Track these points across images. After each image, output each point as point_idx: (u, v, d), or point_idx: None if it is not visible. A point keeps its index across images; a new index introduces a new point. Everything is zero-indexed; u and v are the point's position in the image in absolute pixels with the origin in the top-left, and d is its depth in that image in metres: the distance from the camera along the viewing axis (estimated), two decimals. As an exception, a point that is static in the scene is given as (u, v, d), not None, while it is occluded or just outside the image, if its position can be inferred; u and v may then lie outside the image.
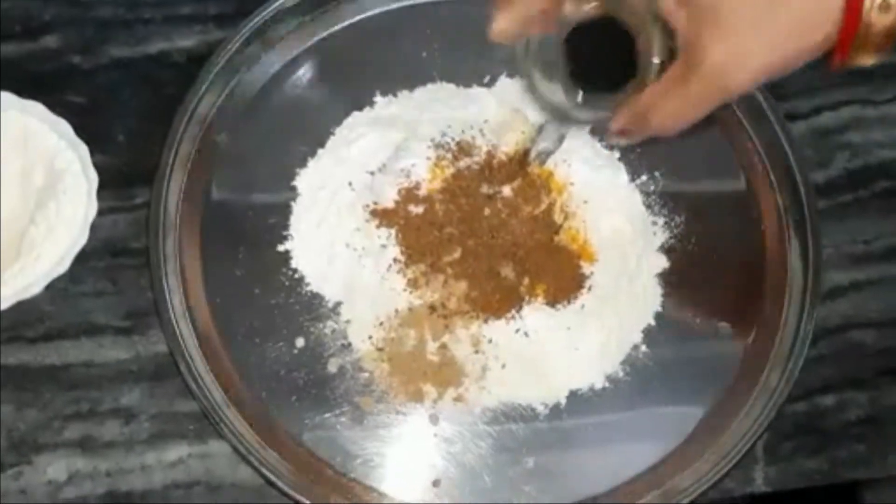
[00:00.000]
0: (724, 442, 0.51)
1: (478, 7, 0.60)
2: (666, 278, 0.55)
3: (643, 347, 0.53)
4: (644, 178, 0.57)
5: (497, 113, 0.57)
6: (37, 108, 0.53)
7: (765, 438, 0.53)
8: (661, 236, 0.56)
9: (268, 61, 0.57)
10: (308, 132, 0.56)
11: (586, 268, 0.54)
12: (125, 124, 0.56)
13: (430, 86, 0.58)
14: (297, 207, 0.54)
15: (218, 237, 0.54)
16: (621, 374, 0.53)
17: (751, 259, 0.56)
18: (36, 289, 0.51)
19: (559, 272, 0.53)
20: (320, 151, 0.56)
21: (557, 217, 0.55)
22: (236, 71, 0.56)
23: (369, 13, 0.59)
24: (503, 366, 0.52)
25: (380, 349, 0.52)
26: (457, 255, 0.53)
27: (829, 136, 0.60)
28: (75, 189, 0.52)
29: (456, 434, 0.51)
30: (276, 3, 0.57)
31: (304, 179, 0.55)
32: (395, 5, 0.59)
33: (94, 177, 0.53)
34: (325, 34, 0.58)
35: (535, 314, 0.52)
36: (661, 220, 0.56)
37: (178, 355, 0.50)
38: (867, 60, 0.41)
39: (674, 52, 0.41)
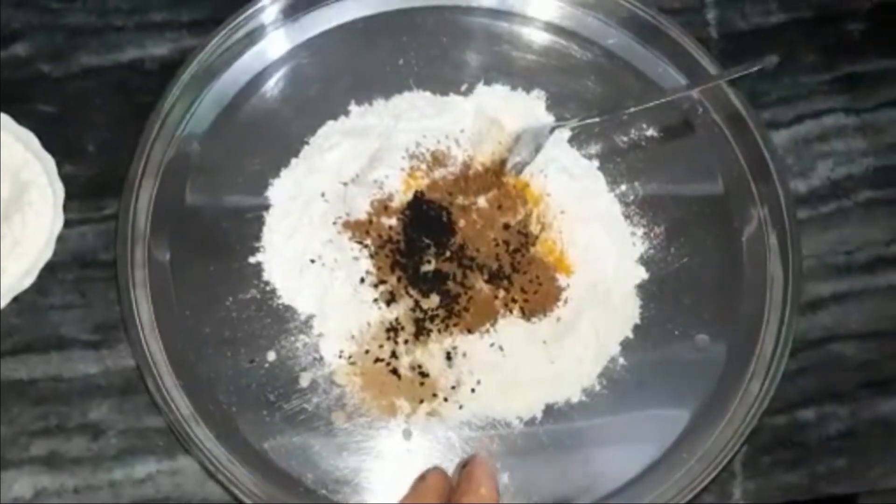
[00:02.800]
0: (702, 455, 0.51)
1: (455, 15, 0.60)
2: (645, 290, 0.54)
3: (621, 360, 0.53)
4: (623, 187, 0.56)
5: (474, 122, 0.56)
6: (2, 119, 0.53)
7: (743, 452, 0.52)
8: (641, 247, 0.55)
9: (241, 69, 0.57)
10: (281, 141, 0.55)
11: (563, 280, 0.53)
12: (96, 134, 0.55)
13: (406, 94, 0.57)
14: (270, 218, 0.54)
15: (188, 249, 0.53)
16: (598, 387, 0.52)
17: (731, 270, 0.55)
18: (2, 302, 0.50)
19: (535, 284, 0.53)
20: (294, 161, 0.55)
21: (534, 228, 0.54)
22: (208, 79, 0.56)
23: (345, 20, 0.59)
24: (477, 380, 0.51)
25: (352, 363, 0.51)
26: (430, 267, 0.52)
27: (811, 145, 0.60)
28: (41, 201, 0.51)
29: (430, 449, 0.50)
30: (250, 11, 0.56)
31: (277, 190, 0.54)
32: (371, 12, 0.59)
33: (60, 189, 0.52)
34: (299, 42, 0.58)
35: (509, 327, 0.52)
36: (640, 231, 0.56)
37: (146, 370, 0.49)
38: None
39: None
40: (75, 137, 0.55)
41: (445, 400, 0.51)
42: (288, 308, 0.52)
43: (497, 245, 0.53)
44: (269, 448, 0.50)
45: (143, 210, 0.53)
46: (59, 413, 0.50)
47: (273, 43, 0.57)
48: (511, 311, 0.52)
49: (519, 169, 0.55)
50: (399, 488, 0.49)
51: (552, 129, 0.56)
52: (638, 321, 0.54)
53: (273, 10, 0.57)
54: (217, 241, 0.53)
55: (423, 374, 0.51)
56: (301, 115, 0.56)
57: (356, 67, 0.58)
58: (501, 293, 0.52)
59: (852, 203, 0.59)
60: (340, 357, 0.51)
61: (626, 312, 0.54)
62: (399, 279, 0.52)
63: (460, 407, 0.51)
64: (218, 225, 0.54)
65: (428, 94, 0.57)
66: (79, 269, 0.53)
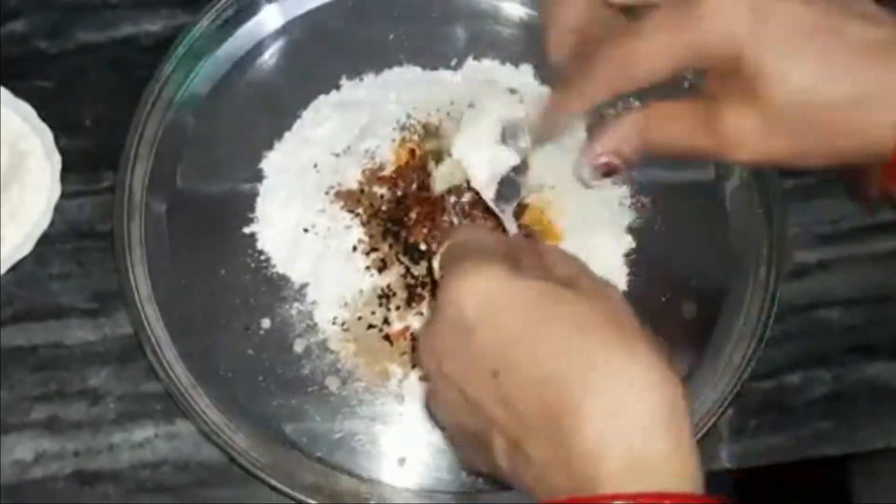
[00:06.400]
0: (688, 419, 0.52)
1: (444, -11, 0.61)
2: (632, 258, 0.55)
3: (609, 327, 0.54)
4: (611, 158, 0.57)
5: (463, 95, 0.57)
6: (0, 92, 0.54)
7: (730, 416, 0.53)
8: (628, 216, 0.56)
9: (234, 45, 0.57)
10: (274, 115, 0.56)
11: (551, 248, 0.54)
12: (92, 108, 0.56)
13: (396, 69, 0.58)
14: (263, 190, 0.54)
15: (184, 220, 0.54)
16: (588, 352, 0.53)
17: (717, 238, 0.56)
18: (1, 269, 0.51)
19: (524, 252, 0.53)
20: (287, 134, 0.56)
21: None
22: (202, 54, 0.56)
23: (336, -4, 0.60)
24: (468, 345, 0.52)
25: (345, 329, 0.52)
26: (421, 235, 0.53)
27: (797, 116, 0.60)
28: (39, 171, 0.52)
29: (422, 413, 0.51)
30: (242, -13, 0.57)
31: (271, 162, 0.55)
32: (361, -13, 0.60)
33: (57, 160, 0.53)
34: (290, 18, 0.58)
35: (500, 293, 0.52)
36: (627, 201, 0.56)
37: (143, 337, 0.50)
38: None
39: None
40: (72, 112, 0.56)
41: (437, 365, 0.52)
42: (282, 277, 0.53)
43: (486, 214, 0.54)
44: (265, 412, 0.51)
45: (139, 182, 0.54)
46: (59, 379, 0.51)
47: (265, 19, 0.58)
48: (501, 278, 0.53)
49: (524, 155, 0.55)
50: (392, 450, 0.51)
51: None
52: (626, 289, 0.55)
53: (265, -14, 0.58)
54: (212, 211, 0.54)
55: (416, 340, 0.52)
56: (293, 90, 0.57)
57: (347, 42, 0.59)
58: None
59: (837, 174, 0.59)
60: (334, 324, 0.52)
61: (614, 280, 0.54)
62: (391, 246, 0.53)
63: (452, 371, 0.52)
64: (212, 196, 0.54)
65: (418, 68, 0.58)
66: (76, 239, 0.54)
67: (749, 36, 0.38)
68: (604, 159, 0.43)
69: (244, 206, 0.54)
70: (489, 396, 0.35)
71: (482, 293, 0.36)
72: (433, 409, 0.40)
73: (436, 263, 0.42)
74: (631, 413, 0.33)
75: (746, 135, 0.39)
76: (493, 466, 0.37)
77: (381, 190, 0.54)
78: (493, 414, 0.35)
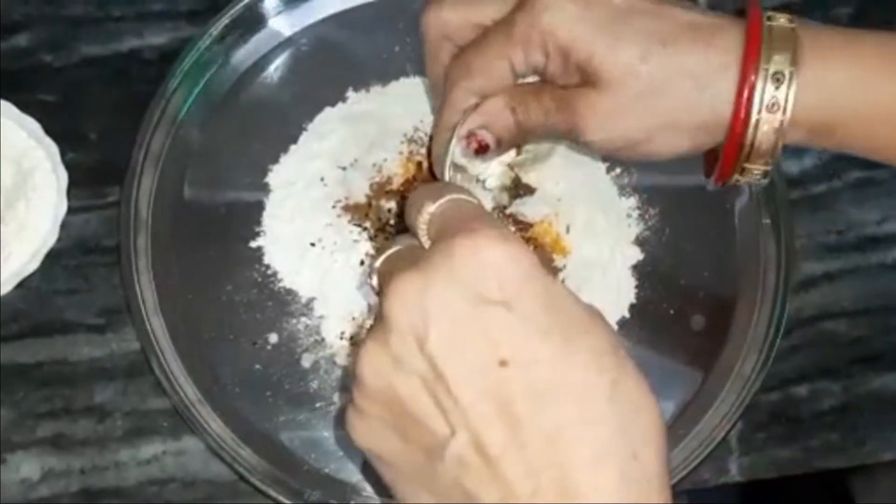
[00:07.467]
0: (698, 432, 0.52)
1: (450, 1, 0.60)
2: (640, 270, 0.55)
3: (618, 339, 0.54)
4: (619, 170, 0.57)
5: (470, 107, 0.57)
6: (5, 107, 0.53)
7: (739, 428, 0.53)
8: (636, 228, 0.56)
9: (239, 57, 0.57)
10: (280, 128, 0.56)
11: (559, 260, 0.54)
12: (97, 122, 0.56)
13: (403, 80, 0.58)
14: (270, 203, 0.54)
15: (190, 234, 0.54)
16: (595, 366, 0.53)
17: (724, 250, 0.56)
18: (7, 287, 0.51)
19: (532, 265, 0.53)
20: (292, 147, 0.56)
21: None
22: (207, 67, 0.56)
23: (342, 8, 0.59)
24: (477, 359, 0.52)
25: (353, 344, 0.52)
26: (428, 248, 0.53)
27: (802, 127, 0.60)
28: (45, 187, 0.52)
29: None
30: (247, 0, 0.57)
31: (277, 176, 0.55)
32: (367, 0, 0.59)
33: (63, 175, 0.53)
34: (296, 30, 0.58)
35: (508, 307, 0.52)
36: (635, 212, 0.56)
37: (151, 353, 0.50)
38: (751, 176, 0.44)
39: None
40: (77, 126, 0.55)
41: (446, 379, 0.51)
42: (289, 291, 0.53)
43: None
44: (273, 428, 0.51)
45: (145, 196, 0.53)
46: (65, 396, 0.51)
47: (270, 31, 0.58)
48: (509, 292, 0.53)
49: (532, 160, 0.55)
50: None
51: None
52: (634, 301, 0.54)
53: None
54: (218, 226, 0.54)
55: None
56: (299, 102, 0.57)
57: (353, 55, 0.58)
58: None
59: (843, 183, 0.59)
60: (342, 338, 0.52)
61: (622, 293, 0.55)
62: (398, 261, 0.53)
63: (461, 386, 0.51)
64: (218, 210, 0.54)
65: (425, 80, 0.58)
66: (82, 255, 0.54)
67: (575, 27, 0.40)
68: (477, 135, 0.44)
69: (250, 220, 0.54)
70: (477, 388, 0.30)
71: (523, 269, 0.31)
72: (357, 427, 0.35)
73: (422, 226, 0.38)
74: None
75: (597, 115, 0.42)
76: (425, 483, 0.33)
77: (388, 204, 0.54)
78: (471, 411, 0.30)
